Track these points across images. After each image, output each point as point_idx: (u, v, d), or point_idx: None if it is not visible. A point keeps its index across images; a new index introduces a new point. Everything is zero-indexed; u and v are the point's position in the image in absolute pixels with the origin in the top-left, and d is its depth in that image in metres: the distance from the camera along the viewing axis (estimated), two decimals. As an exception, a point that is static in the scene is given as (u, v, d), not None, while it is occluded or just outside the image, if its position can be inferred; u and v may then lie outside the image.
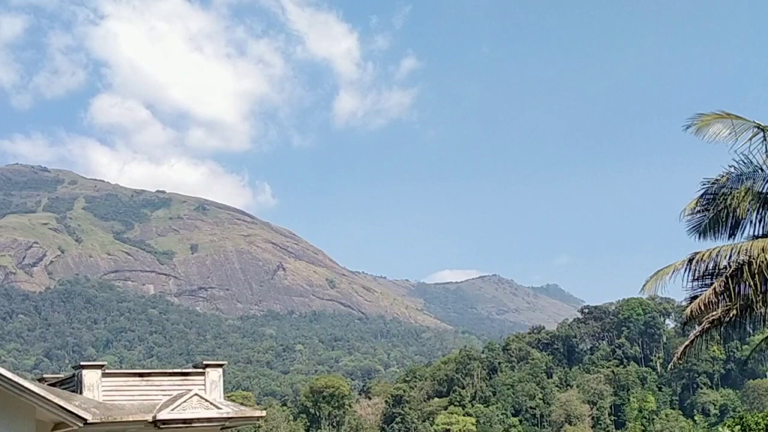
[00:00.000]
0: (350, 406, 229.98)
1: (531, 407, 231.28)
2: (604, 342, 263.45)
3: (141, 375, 25.00)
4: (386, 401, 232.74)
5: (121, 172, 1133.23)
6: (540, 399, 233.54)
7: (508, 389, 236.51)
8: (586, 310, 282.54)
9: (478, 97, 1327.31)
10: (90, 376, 23.68)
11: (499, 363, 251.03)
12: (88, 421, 21.39)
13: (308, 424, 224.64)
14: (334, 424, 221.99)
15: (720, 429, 31.19)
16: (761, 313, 23.14)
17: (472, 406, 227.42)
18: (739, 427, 30.89)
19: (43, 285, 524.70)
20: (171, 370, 26.30)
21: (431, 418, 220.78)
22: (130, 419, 22.56)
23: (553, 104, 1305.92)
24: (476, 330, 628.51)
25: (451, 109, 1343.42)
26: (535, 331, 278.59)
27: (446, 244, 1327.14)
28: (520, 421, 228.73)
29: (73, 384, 24.14)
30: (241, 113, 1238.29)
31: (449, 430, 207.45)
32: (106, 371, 24.21)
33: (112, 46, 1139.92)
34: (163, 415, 22.66)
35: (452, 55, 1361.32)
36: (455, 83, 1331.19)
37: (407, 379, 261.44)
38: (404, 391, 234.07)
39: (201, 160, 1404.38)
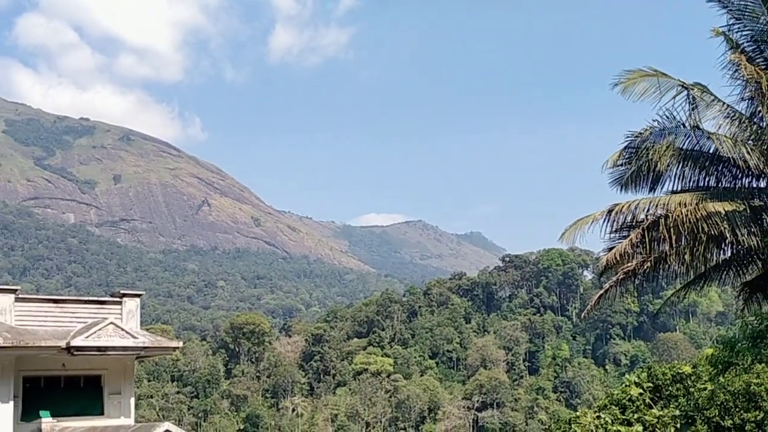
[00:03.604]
0: (270, 343, 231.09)
1: (448, 350, 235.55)
2: (522, 290, 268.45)
3: (56, 302, 24.54)
4: (306, 340, 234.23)
5: (44, 96, 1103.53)
6: (457, 343, 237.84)
7: (426, 332, 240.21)
8: (507, 259, 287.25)
9: (415, 41, 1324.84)
10: (2, 300, 23.16)
11: (420, 307, 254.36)
12: (-2, 345, 21.02)
13: (227, 359, 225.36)
14: (253, 360, 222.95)
15: (628, 377, 32.20)
16: (674, 267, 23.61)
17: (391, 347, 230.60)
18: (646, 375, 31.89)
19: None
20: (87, 298, 25.89)
21: (350, 358, 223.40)
22: (43, 345, 22.19)
23: (487, 55, 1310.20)
24: (399, 274, 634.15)
25: (386, 52, 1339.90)
26: (456, 277, 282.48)
27: (374, 187, 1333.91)
28: (437, 363, 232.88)
29: (-16, 308, 23.59)
30: (174, 42, 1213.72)
31: (367, 369, 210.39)
32: (20, 296, 23.70)
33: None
34: (77, 342, 22.34)
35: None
36: (393, 25, 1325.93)
37: (328, 319, 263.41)
38: (324, 330, 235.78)
39: (129, 88, 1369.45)
